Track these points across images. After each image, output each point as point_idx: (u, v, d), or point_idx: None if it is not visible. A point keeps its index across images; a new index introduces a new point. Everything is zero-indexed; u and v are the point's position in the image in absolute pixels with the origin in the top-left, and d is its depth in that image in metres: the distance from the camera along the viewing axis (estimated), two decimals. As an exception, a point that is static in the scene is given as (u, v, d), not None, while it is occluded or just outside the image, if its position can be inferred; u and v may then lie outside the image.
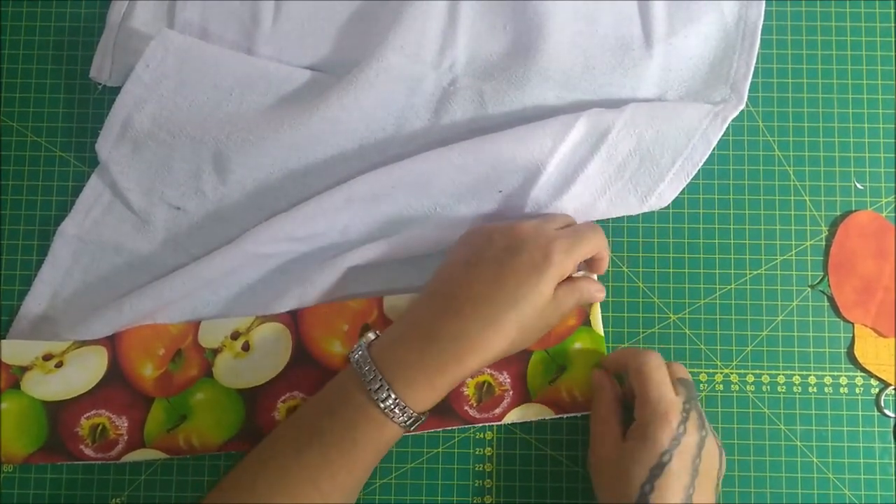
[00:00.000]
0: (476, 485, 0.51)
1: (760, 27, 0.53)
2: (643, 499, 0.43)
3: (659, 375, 0.45)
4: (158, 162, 0.52)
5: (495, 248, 0.45)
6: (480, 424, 0.50)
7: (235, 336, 0.50)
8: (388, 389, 0.43)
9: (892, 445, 0.51)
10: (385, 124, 0.52)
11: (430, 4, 0.52)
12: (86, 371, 0.50)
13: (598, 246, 0.47)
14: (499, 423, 0.50)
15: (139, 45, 0.52)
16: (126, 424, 0.50)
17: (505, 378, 0.50)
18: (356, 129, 0.51)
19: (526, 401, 0.50)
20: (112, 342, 0.50)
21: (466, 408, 0.50)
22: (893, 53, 0.54)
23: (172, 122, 0.51)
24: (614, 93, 0.52)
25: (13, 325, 0.51)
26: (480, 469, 0.51)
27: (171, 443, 0.50)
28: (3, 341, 0.50)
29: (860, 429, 0.51)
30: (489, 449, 0.51)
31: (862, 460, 0.51)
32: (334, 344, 0.50)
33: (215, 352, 0.50)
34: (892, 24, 0.54)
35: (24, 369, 0.50)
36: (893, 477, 0.51)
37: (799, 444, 0.51)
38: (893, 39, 0.54)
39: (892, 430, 0.51)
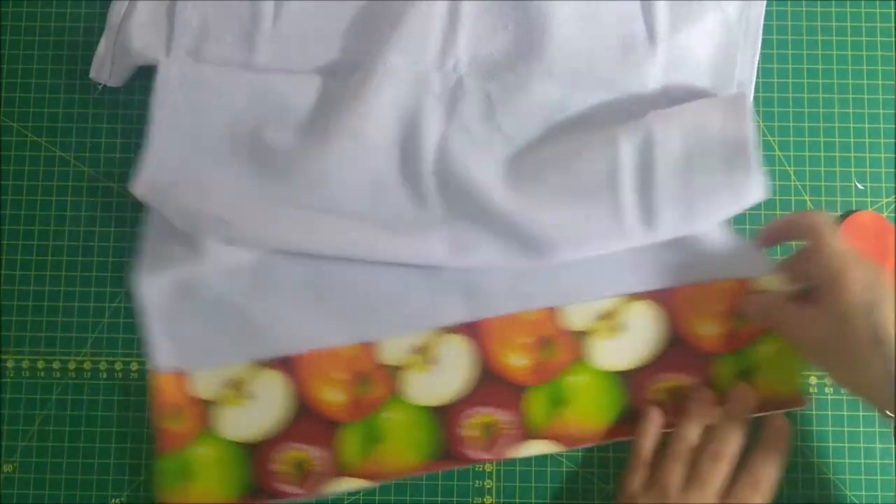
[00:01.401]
0: (476, 485, 0.51)
1: (762, 24, 0.53)
2: (876, 338, 0.41)
3: (831, 235, 0.44)
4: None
5: None
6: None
7: (419, 351, 0.50)
8: None
9: (893, 446, 0.51)
10: (400, 129, 0.51)
11: (431, 5, 0.52)
12: (273, 407, 0.49)
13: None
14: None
15: (139, 45, 0.52)
16: (322, 455, 0.49)
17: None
18: (375, 141, 0.51)
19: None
20: (290, 367, 0.49)
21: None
22: (893, 53, 0.54)
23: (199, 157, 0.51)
24: (620, 90, 0.52)
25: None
26: (480, 469, 0.51)
27: (370, 469, 0.49)
28: (191, 374, 0.49)
29: (860, 429, 0.51)
30: (489, 449, 0.51)
31: (862, 460, 0.51)
32: (514, 357, 0.50)
33: (401, 369, 0.50)
34: (892, 24, 0.54)
35: (214, 404, 0.49)
36: (894, 477, 0.51)
37: (799, 444, 0.51)
38: (893, 39, 0.54)
39: (892, 430, 0.51)
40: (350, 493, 0.51)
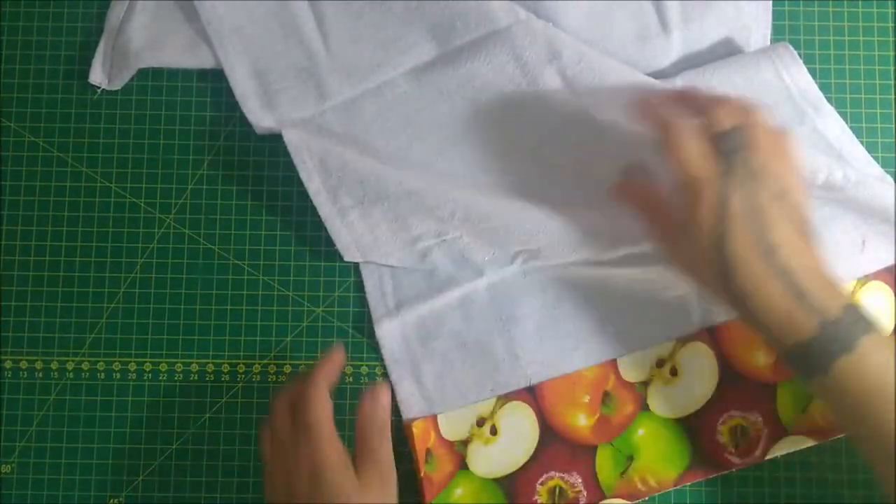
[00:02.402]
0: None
1: (771, 5, 0.53)
2: (727, 281, 0.41)
3: (685, 153, 0.42)
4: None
5: None
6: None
7: (661, 364, 0.50)
8: None
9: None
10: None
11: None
12: (522, 438, 0.49)
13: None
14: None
15: (138, 49, 0.52)
16: (580, 480, 0.49)
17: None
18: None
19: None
20: (533, 395, 0.50)
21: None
22: (892, 53, 0.54)
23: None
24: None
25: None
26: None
27: (628, 487, 0.49)
28: (438, 416, 0.49)
29: (859, 429, 0.51)
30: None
31: (860, 460, 0.51)
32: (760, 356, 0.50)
33: (646, 384, 0.50)
34: (892, 24, 0.54)
35: (465, 443, 0.49)
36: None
37: (797, 444, 0.51)
38: (892, 39, 0.54)
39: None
40: None
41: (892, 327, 0.50)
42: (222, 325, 0.52)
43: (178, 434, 0.51)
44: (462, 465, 0.49)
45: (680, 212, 0.44)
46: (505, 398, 0.50)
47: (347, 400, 0.51)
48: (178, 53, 0.53)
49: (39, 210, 0.53)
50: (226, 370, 0.52)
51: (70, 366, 0.52)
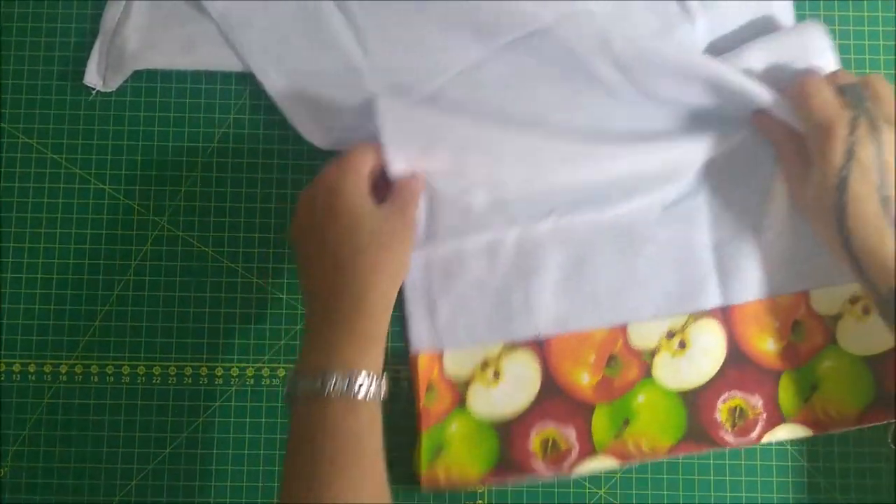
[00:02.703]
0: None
1: None
2: (841, 221, 0.44)
3: (818, 99, 0.46)
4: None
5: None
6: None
7: (671, 335, 0.50)
8: (337, 377, 0.42)
9: (890, 449, 0.51)
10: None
11: None
12: (523, 386, 0.50)
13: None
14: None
15: (134, 50, 0.52)
16: (574, 434, 0.50)
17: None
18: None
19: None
20: (541, 348, 0.50)
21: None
22: (894, 55, 0.54)
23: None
24: None
25: None
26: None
27: (621, 448, 0.50)
28: (445, 353, 0.50)
29: (853, 433, 0.51)
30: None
31: (852, 465, 0.51)
32: (769, 342, 0.50)
33: (653, 354, 0.50)
34: (892, 26, 0.54)
35: (467, 383, 0.50)
36: (893, 481, 0.51)
37: (789, 448, 0.51)
38: (892, 42, 0.54)
39: (889, 434, 0.51)
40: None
41: None
42: (216, 328, 0.52)
43: (172, 438, 0.51)
44: (461, 403, 0.50)
45: (806, 155, 0.47)
46: (512, 345, 0.50)
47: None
48: (174, 55, 0.53)
49: (33, 212, 0.53)
50: (219, 374, 0.52)
51: (63, 369, 0.52)
